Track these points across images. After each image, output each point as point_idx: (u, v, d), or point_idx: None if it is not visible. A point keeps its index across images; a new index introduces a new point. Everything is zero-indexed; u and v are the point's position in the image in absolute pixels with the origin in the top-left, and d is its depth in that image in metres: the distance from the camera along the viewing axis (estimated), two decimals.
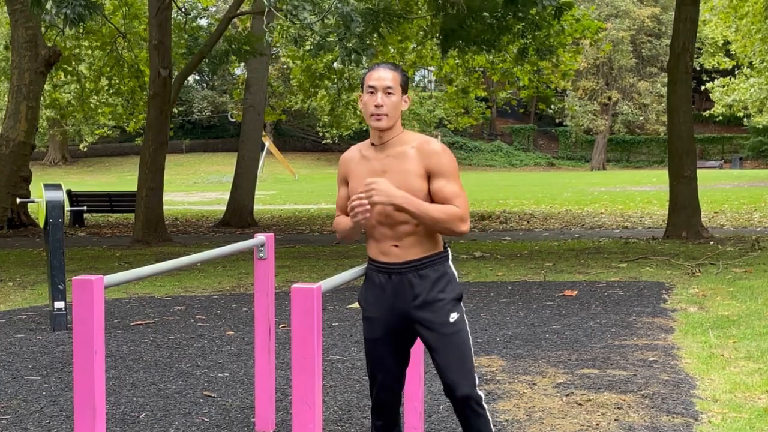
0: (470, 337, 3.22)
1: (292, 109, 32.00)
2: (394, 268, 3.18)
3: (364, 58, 11.81)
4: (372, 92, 3.15)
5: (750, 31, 25.68)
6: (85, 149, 47.36)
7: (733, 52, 29.08)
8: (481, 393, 3.19)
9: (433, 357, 3.18)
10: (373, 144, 3.22)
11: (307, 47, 13.17)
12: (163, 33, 14.91)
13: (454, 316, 3.15)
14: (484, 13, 13.48)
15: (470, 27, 13.46)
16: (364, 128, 45.16)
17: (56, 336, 6.74)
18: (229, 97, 53.01)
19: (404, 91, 3.20)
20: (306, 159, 56.42)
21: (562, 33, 17.56)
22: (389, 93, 3.15)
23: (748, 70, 31.71)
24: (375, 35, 12.94)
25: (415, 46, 19.78)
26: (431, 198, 3.12)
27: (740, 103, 33.94)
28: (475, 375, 3.20)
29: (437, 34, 14.39)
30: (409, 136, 3.21)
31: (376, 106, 3.13)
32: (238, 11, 16.95)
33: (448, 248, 3.27)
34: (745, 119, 42.32)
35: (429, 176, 3.12)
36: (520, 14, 13.48)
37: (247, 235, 15.81)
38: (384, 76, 3.16)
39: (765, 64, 28.39)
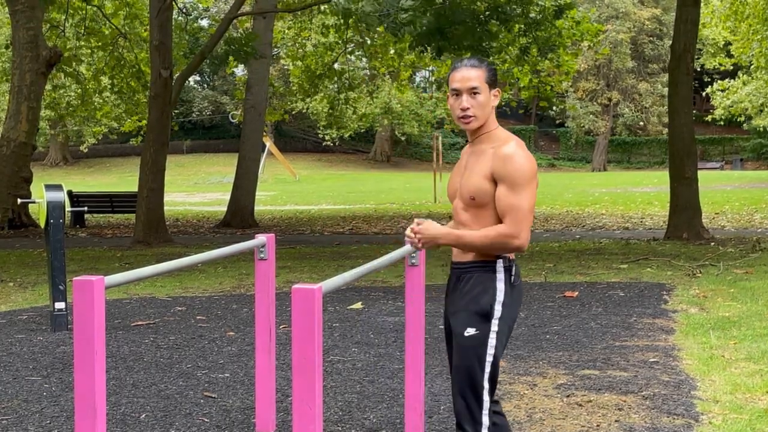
0: (488, 364, 2.96)
1: (293, 111, 32.01)
2: (452, 265, 3.17)
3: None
4: (457, 95, 3.01)
5: (748, 32, 25.68)
6: (86, 150, 47.43)
7: (734, 54, 29.09)
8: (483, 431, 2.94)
9: None
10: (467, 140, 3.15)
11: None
12: (164, 34, 14.91)
13: (470, 331, 2.98)
14: (466, 19, 13.41)
15: (451, 30, 13.36)
16: (363, 129, 45.28)
17: (57, 336, 6.74)
18: (229, 98, 53.03)
19: (493, 85, 3.03)
20: (307, 160, 56.40)
21: (559, 36, 17.54)
22: (475, 93, 2.99)
23: (746, 76, 31.72)
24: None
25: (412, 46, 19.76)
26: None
27: (739, 105, 33.93)
28: (478, 408, 2.95)
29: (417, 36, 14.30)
30: (498, 135, 3.06)
31: (462, 110, 3.00)
32: (239, 12, 16.96)
33: (500, 260, 3.04)
34: (745, 123, 42.22)
35: (496, 180, 2.97)
36: (517, 13, 13.43)
37: (248, 235, 15.80)
38: (468, 75, 2.99)
39: (764, 66, 28.39)
